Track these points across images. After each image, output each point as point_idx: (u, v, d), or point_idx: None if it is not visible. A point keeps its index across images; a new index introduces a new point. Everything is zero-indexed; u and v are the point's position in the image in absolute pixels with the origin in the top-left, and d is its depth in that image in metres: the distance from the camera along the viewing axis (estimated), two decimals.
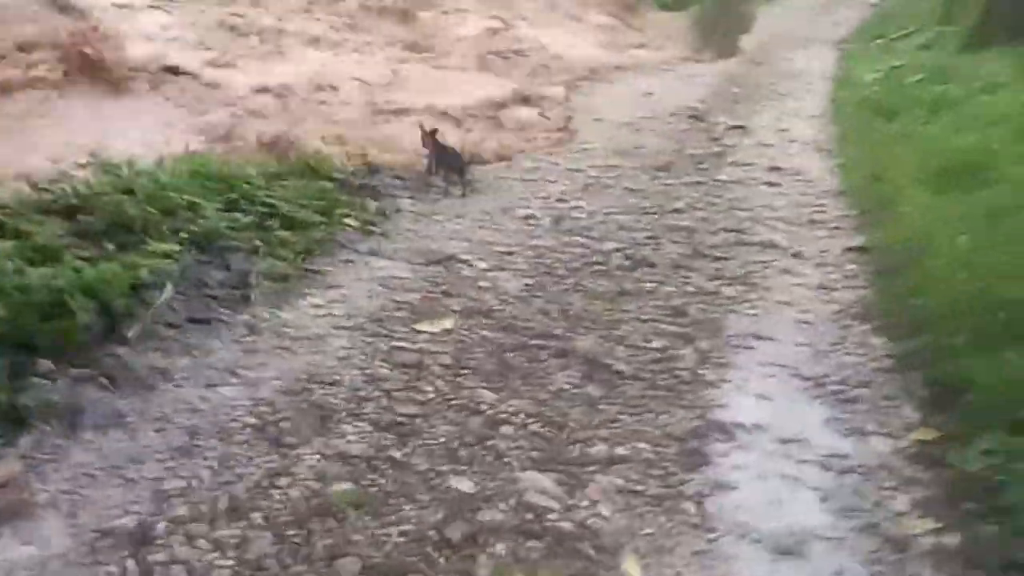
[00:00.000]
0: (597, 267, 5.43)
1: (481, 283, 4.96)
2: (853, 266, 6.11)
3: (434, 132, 6.70)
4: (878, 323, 5.18)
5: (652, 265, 5.61)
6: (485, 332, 4.38)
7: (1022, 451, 3.56)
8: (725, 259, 5.96)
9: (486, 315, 4.57)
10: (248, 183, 5.47)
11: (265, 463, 3.10)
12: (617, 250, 5.72)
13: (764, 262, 6.04)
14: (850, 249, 6.43)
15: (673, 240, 6.15)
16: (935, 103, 11.39)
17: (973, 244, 5.46)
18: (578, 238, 5.89)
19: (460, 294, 4.79)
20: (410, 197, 6.33)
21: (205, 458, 3.14)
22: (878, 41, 19.62)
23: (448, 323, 4.40)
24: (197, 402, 3.46)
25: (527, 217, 6.21)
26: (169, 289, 4.07)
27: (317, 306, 4.45)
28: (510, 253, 5.49)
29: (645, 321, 4.79)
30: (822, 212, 7.37)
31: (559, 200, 6.69)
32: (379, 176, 6.55)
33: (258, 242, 4.85)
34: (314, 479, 3.06)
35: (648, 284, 5.31)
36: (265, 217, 5.15)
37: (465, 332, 4.35)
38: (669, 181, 7.59)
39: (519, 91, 10.42)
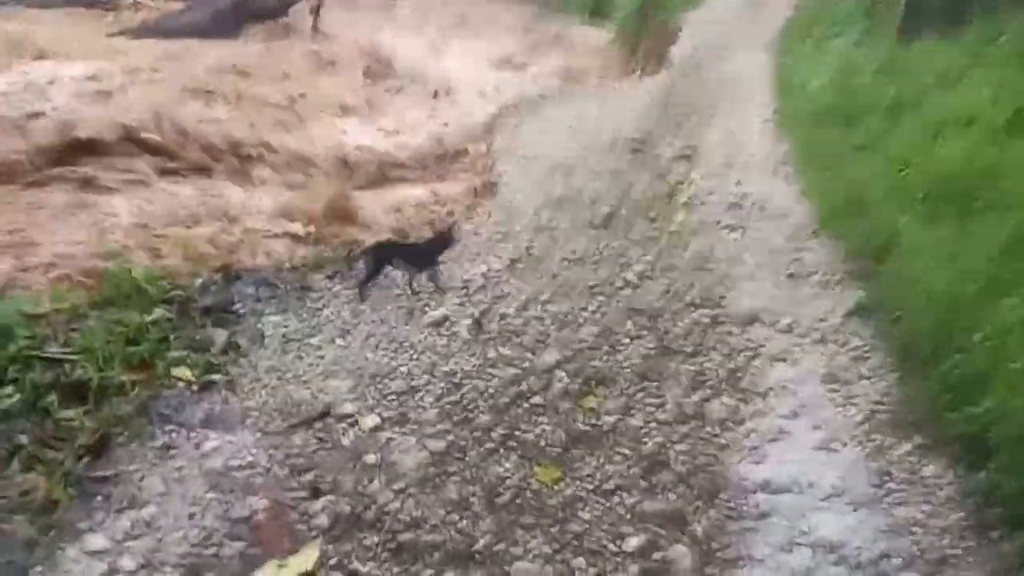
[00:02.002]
0: (534, 399, 3.82)
1: (367, 459, 3.32)
2: (861, 341, 4.61)
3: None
4: (923, 440, 3.68)
5: (608, 383, 4.02)
6: (366, 566, 2.72)
7: None
8: (701, 354, 4.41)
9: (370, 528, 2.92)
10: (31, 332, 3.76)
11: None
12: (560, 364, 4.12)
13: (751, 348, 4.52)
14: (851, 313, 4.93)
15: (631, 334, 4.56)
16: (892, 106, 10.03)
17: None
18: (506, 351, 4.27)
19: (333, 488, 3.14)
20: (280, 311, 4.63)
21: None
22: (808, 41, 18.46)
23: (308, 559, 2.74)
24: None
25: (438, 323, 4.58)
26: None
27: (95, 555, 2.75)
28: (412, 391, 3.84)
29: (611, 495, 3.19)
30: (801, 260, 5.87)
31: (480, 289, 5.06)
32: (238, 287, 4.83)
33: (21, 438, 3.14)
34: None
35: (607, 419, 3.72)
36: (42, 391, 3.44)
37: (334, 573, 2.69)
38: (615, 240, 6.02)
39: (427, 135, 8.81)
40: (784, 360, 4.43)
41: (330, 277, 5.08)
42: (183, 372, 3.82)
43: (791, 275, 5.58)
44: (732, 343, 4.58)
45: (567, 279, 5.29)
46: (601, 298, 5.01)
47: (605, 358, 4.25)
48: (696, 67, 15.83)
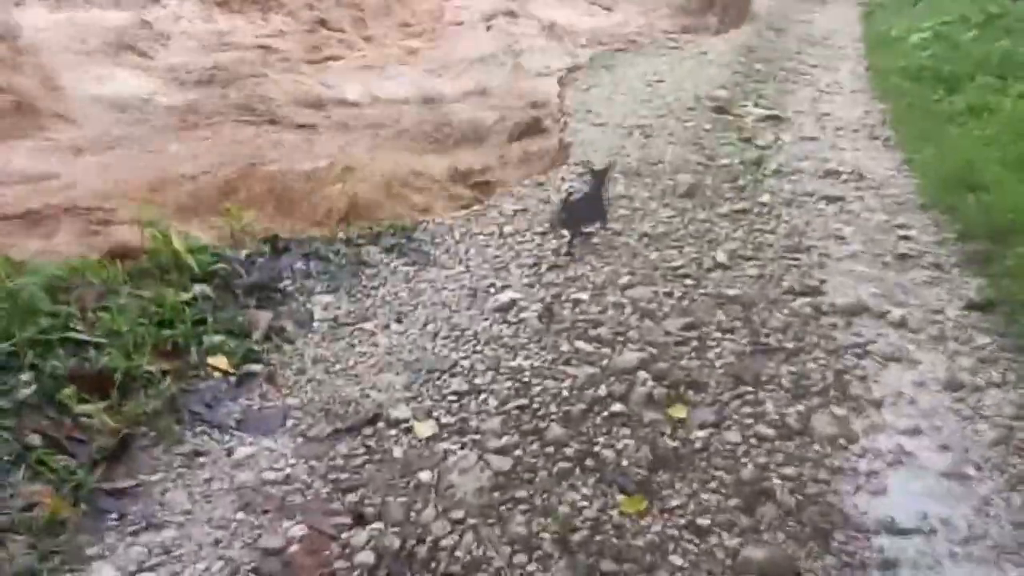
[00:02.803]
0: (614, 407, 3.31)
1: (421, 477, 2.86)
2: (987, 340, 4.00)
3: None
4: None
5: (698, 388, 3.48)
6: None
7: None
8: (803, 351, 3.85)
9: (422, 569, 2.47)
10: (55, 309, 3.37)
11: None
12: (643, 364, 3.59)
13: (858, 345, 3.95)
14: (972, 307, 4.30)
15: (722, 326, 4.01)
16: (1002, 65, 9.16)
17: None
18: (581, 345, 3.76)
19: (380, 513, 2.69)
20: (332, 290, 4.19)
21: None
22: None
23: None
24: None
25: (504, 307, 4.08)
26: None
27: None
28: (475, 392, 3.36)
29: (706, 535, 2.68)
30: (909, 239, 5.25)
31: (551, 268, 4.54)
32: (286, 260, 4.39)
33: (33, 438, 2.76)
34: None
35: (698, 433, 3.19)
36: (62, 381, 3.04)
37: None
38: (700, 214, 5.43)
39: (494, 87, 8.25)
40: (898, 361, 3.85)
41: (387, 250, 4.61)
42: (220, 361, 3.40)
43: (899, 257, 4.95)
44: (837, 339, 4.01)
45: (648, 259, 4.74)
46: (687, 282, 4.45)
47: (694, 356, 3.72)
48: (780, 19, 14.91)
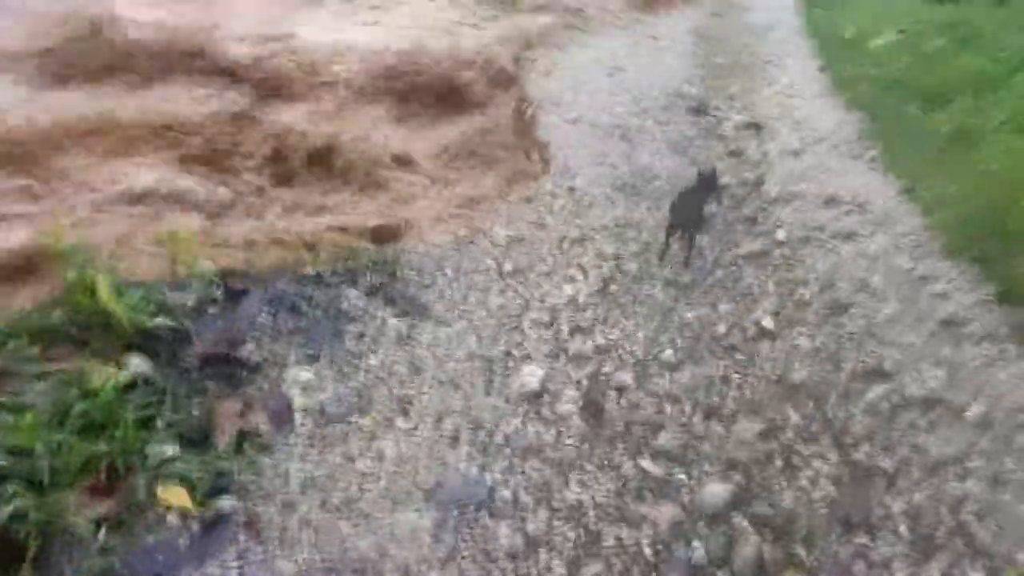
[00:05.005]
0: None
1: None
2: None
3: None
4: None
5: (809, 542, 2.67)
6: None
7: None
8: (902, 474, 3.14)
9: None
10: None
11: None
12: (735, 504, 2.75)
13: (955, 460, 3.27)
14: None
15: (801, 431, 3.23)
16: (976, 83, 8.69)
17: None
18: (647, 465, 2.88)
19: None
20: (310, 358, 3.13)
21: None
22: None
23: None
24: None
25: (533, 395, 3.14)
26: None
27: None
28: (532, 549, 2.44)
29: None
30: (945, 297, 4.60)
31: (573, 330, 3.63)
32: (245, 307, 3.30)
33: None
34: None
35: None
36: None
37: None
38: (722, 253, 4.62)
39: (444, 64, 7.13)
40: (1004, 486, 3.15)
41: (369, 294, 3.59)
42: (177, 495, 2.34)
43: (943, 323, 4.29)
44: (929, 450, 3.29)
45: (683, 319, 3.90)
46: (739, 358, 3.64)
47: (786, 485, 2.91)
48: (720, 4, 14.29)
